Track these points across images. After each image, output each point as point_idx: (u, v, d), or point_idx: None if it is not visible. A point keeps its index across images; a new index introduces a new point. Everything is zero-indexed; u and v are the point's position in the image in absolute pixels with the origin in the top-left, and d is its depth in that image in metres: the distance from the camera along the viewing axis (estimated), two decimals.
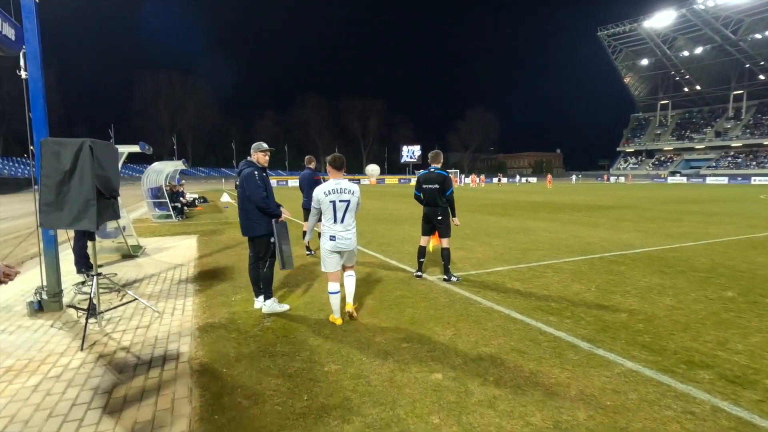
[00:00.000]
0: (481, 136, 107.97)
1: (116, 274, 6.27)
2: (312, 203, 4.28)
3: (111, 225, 7.76)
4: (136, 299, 4.72)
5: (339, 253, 4.25)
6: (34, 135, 4.51)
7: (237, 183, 14.36)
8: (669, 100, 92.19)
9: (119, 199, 7.43)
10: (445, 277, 5.79)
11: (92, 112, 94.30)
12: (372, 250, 8.35)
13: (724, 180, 64.30)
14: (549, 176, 46.50)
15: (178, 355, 3.57)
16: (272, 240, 4.67)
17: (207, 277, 6.23)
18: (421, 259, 5.98)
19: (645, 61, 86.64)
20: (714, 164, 76.06)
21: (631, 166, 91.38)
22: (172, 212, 14.20)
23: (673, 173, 76.30)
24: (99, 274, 4.30)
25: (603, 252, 7.92)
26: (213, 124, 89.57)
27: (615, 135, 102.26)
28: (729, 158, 75.77)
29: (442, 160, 5.81)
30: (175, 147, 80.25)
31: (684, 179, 70.40)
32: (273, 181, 58.53)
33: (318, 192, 4.14)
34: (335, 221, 4.15)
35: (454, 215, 5.80)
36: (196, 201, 20.92)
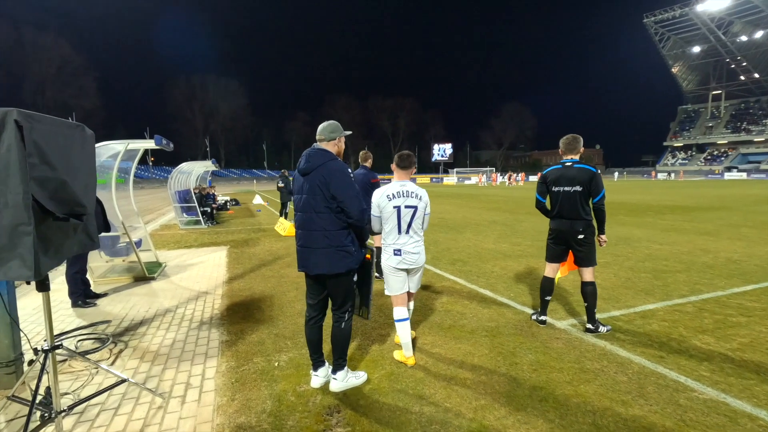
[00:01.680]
0: (515, 132, 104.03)
1: (109, 322, 4.61)
2: (371, 210, 3.30)
3: (122, 240, 6.23)
4: (124, 380, 2.99)
5: (405, 270, 3.32)
6: None
7: (280, 185, 12.79)
8: (722, 90, 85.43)
9: (119, 218, 5.92)
10: (590, 326, 3.83)
11: (129, 116, 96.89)
12: (444, 269, 6.47)
13: None
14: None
15: None
16: (356, 278, 3.04)
17: (238, 317, 4.53)
18: (547, 297, 4.03)
19: (696, 49, 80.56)
20: None
21: (680, 161, 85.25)
22: (201, 218, 12.82)
23: (729, 169, 70.39)
24: (79, 329, 2.62)
25: None
26: (245, 125, 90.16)
27: (660, 129, 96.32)
28: None
29: (582, 149, 3.86)
30: (208, 149, 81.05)
31: (743, 175, 64.65)
32: None
33: (380, 196, 3.28)
34: (399, 232, 3.26)
35: (602, 231, 3.83)
36: (228, 204, 19.68)
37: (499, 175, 54.08)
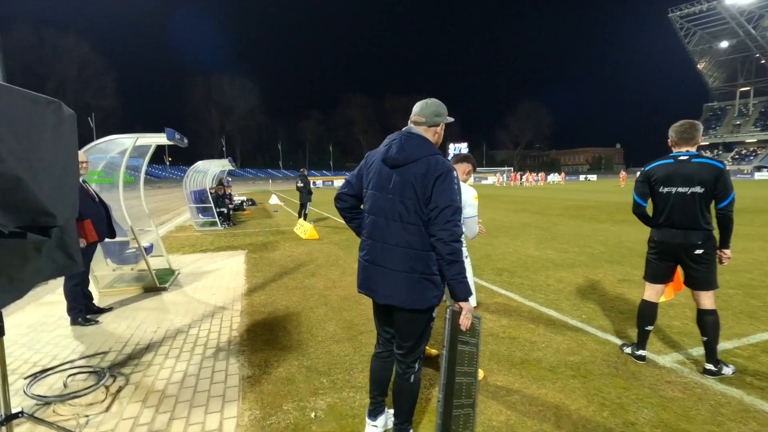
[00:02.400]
0: (532, 131, 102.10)
1: (106, 353, 3.92)
2: (468, 211, 2.90)
3: (131, 245, 5.59)
4: None
5: None
6: None
7: (299, 184, 12.11)
8: (751, 87, 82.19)
9: (128, 222, 5.23)
10: (711, 366, 2.98)
11: (147, 116, 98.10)
12: (491, 281, 5.66)
13: None
14: (623, 173, 41.36)
15: None
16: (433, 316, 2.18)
17: (260, 342, 3.81)
18: (648, 327, 3.20)
19: (724, 44, 77.62)
20: None
21: None
22: (217, 219, 12.23)
23: (759, 168, 67.54)
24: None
25: None
26: (260, 124, 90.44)
27: None
28: None
29: (700, 139, 3.01)
30: (224, 148, 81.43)
31: None
32: (317, 182, 56.63)
33: (471, 196, 2.94)
34: None
35: (726, 245, 2.97)
36: (244, 204, 19.16)
37: (520, 174, 52.48)
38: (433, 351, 3.43)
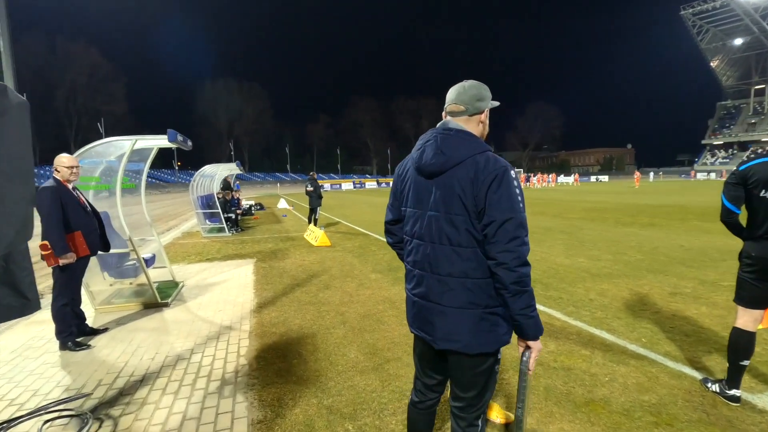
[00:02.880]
0: (541, 132, 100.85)
1: (90, 395, 3.42)
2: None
3: (131, 257, 5.13)
4: None
5: None
6: None
7: (309, 188, 11.62)
8: (766, 84, 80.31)
9: (126, 232, 4.76)
10: None
11: (156, 121, 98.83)
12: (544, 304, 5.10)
13: None
14: (637, 174, 40.44)
15: None
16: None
17: (272, 372, 3.30)
18: (744, 362, 2.62)
19: (738, 41, 76.04)
20: None
21: (720, 160, 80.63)
22: (224, 224, 11.80)
23: None
24: None
25: None
26: (268, 128, 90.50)
27: (695, 127, 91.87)
28: None
29: None
30: (232, 153, 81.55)
31: None
32: (325, 186, 56.10)
33: None
34: None
35: None
36: (252, 209, 18.77)
37: (533, 176, 51.33)
38: (499, 416, 2.53)
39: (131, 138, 4.77)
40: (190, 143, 5.57)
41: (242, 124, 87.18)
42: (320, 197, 12.24)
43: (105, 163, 5.05)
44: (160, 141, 5.07)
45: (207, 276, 6.68)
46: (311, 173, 13.15)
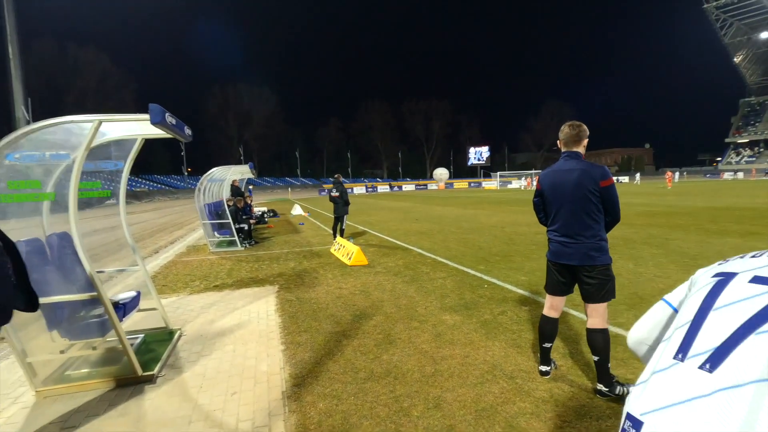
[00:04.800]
0: (556, 132, 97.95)
1: None
2: None
3: (94, 307, 3.33)
4: None
5: None
6: None
7: (334, 194, 9.74)
8: None
9: (87, 266, 2.55)
10: None
11: None
12: None
13: None
14: (668, 174, 37.80)
15: None
16: None
17: None
18: None
19: (764, 35, 73.05)
20: None
21: (746, 159, 77.42)
22: (236, 237, 10.03)
23: None
24: None
25: None
26: (278, 132, 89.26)
27: (717, 125, 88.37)
28: None
29: None
30: (242, 157, 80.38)
31: None
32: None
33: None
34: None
35: None
36: (265, 216, 17.05)
37: None
38: None
39: (92, 118, 2.98)
40: (188, 131, 3.77)
41: (252, 128, 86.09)
42: (347, 203, 10.40)
43: (50, 159, 3.25)
44: (141, 125, 3.29)
45: (215, 316, 4.87)
46: (336, 175, 11.30)
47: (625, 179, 73.97)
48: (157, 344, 3.87)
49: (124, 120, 3.15)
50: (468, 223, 13.56)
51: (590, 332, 2.76)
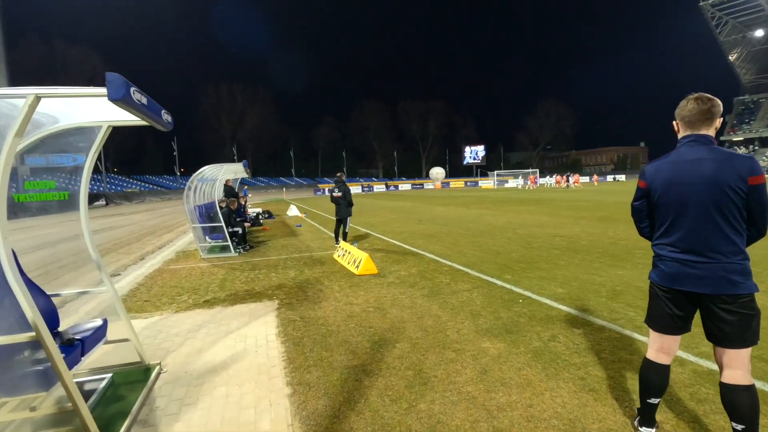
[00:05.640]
0: (552, 131, 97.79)
1: None
2: None
3: (32, 351, 2.48)
4: None
5: None
6: None
7: (336, 194, 8.82)
8: None
9: (22, 296, 1.78)
10: None
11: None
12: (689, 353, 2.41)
13: None
14: None
15: None
16: None
17: None
18: None
19: (759, 33, 73.18)
20: None
21: None
22: (230, 242, 9.17)
23: None
24: None
25: None
26: (272, 132, 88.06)
27: None
28: None
29: None
30: (235, 157, 79.10)
31: None
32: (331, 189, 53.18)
33: None
34: None
35: None
36: (260, 217, 16.16)
37: (567, 176, 47.65)
38: None
39: (25, 92, 2.13)
40: (167, 117, 2.95)
41: (246, 128, 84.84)
42: (350, 204, 9.59)
43: None
44: (101, 105, 2.46)
45: (203, 344, 4.03)
46: (339, 174, 10.49)
47: (621, 177, 73.70)
48: (128, 388, 3.03)
49: (72, 95, 2.32)
50: (475, 225, 12.79)
51: (730, 390, 1.98)
